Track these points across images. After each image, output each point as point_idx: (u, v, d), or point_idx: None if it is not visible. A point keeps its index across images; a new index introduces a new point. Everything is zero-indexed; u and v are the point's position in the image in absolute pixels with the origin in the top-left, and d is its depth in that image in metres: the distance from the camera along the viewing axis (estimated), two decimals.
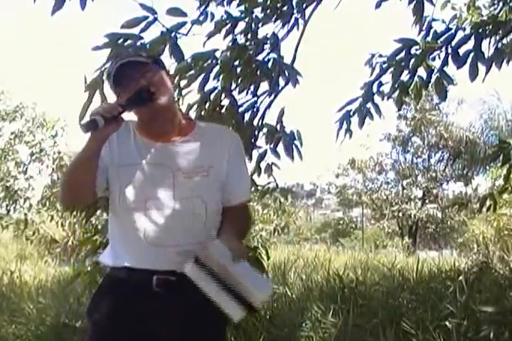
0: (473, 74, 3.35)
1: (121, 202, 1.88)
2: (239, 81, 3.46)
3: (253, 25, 3.49)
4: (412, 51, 3.57)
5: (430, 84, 3.70)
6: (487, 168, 16.13)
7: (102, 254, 2.01)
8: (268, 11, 3.52)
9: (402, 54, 3.58)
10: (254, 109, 3.53)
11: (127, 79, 1.87)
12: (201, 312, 1.83)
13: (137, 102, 1.84)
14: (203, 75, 3.37)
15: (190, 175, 1.88)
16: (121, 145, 1.91)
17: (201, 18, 3.39)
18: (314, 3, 3.54)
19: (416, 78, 3.69)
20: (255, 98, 3.53)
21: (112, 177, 1.89)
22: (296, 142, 3.40)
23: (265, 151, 3.50)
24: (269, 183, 3.65)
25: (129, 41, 3.12)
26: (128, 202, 1.87)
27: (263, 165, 3.53)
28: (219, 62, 3.37)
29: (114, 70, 1.89)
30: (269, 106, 3.56)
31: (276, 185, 3.66)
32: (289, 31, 3.53)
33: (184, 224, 1.85)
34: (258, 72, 3.45)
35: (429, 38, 3.68)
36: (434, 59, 3.59)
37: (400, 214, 20.45)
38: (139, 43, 3.12)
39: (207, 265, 1.73)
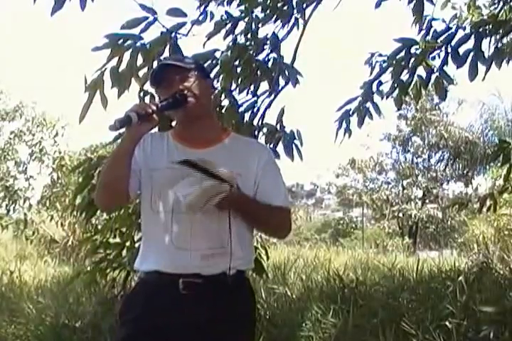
0: (473, 74, 3.36)
1: (152, 206, 1.92)
2: (239, 81, 3.47)
3: (253, 25, 3.49)
4: (412, 50, 3.58)
5: (430, 84, 3.70)
6: (487, 167, 16.14)
7: (137, 258, 2.03)
8: (268, 11, 3.52)
9: (402, 53, 3.58)
10: (255, 109, 3.53)
11: (165, 82, 1.94)
12: (228, 313, 1.86)
13: (171, 105, 1.88)
14: None
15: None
16: (154, 149, 1.96)
17: (201, 18, 3.39)
18: (314, 3, 3.54)
19: (416, 77, 3.69)
20: (255, 98, 3.53)
21: (144, 181, 1.93)
22: (296, 142, 3.40)
23: None
24: None
25: (129, 42, 3.12)
26: (158, 205, 1.90)
27: None
28: (219, 62, 3.37)
29: (154, 71, 1.98)
30: (269, 106, 3.56)
31: None
32: (289, 31, 3.53)
33: (210, 228, 1.87)
34: (258, 72, 3.45)
35: (429, 38, 3.68)
36: (434, 58, 3.59)
37: (400, 214, 20.46)
38: (139, 44, 3.13)
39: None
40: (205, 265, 1.84)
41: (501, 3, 3.93)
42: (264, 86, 3.53)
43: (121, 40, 3.10)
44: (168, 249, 1.87)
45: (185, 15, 3.15)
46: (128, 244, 3.69)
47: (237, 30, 3.48)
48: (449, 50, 3.51)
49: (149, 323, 1.85)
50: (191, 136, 1.97)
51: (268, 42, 3.46)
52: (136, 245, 3.51)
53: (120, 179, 1.86)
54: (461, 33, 3.57)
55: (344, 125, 3.75)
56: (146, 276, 1.93)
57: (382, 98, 3.71)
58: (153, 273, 1.88)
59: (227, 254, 1.86)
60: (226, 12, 3.48)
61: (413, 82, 3.72)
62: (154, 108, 1.82)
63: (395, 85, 3.69)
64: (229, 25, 3.44)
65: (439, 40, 3.60)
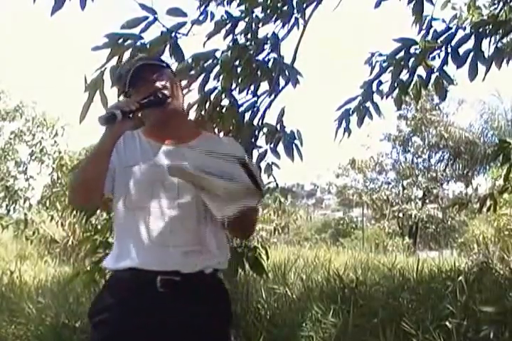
0: (473, 74, 3.36)
1: (127, 203, 1.89)
2: (239, 81, 3.47)
3: (253, 25, 3.49)
4: (412, 50, 3.58)
5: (430, 84, 3.70)
6: (487, 168, 16.15)
7: (107, 258, 2.00)
8: (268, 10, 3.52)
9: (402, 53, 3.59)
10: (255, 109, 3.53)
11: (143, 81, 1.92)
12: (205, 312, 1.84)
13: (153, 103, 1.88)
14: (203, 75, 3.38)
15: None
16: (127, 147, 1.94)
17: (201, 18, 3.39)
18: (314, 3, 3.54)
19: (416, 77, 3.69)
20: (255, 98, 3.53)
21: (118, 178, 1.91)
22: (297, 142, 3.40)
23: (265, 151, 3.50)
24: (269, 183, 3.64)
25: (129, 41, 3.12)
26: (133, 202, 1.88)
27: (263, 165, 3.53)
28: (219, 62, 3.37)
29: (132, 71, 1.93)
30: (269, 106, 3.56)
31: (277, 184, 3.66)
32: (289, 31, 3.53)
33: (188, 224, 1.86)
34: (258, 72, 3.45)
35: (429, 38, 3.68)
36: (434, 58, 3.59)
37: (401, 214, 20.45)
38: (139, 43, 3.13)
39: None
40: (185, 262, 1.82)
41: (501, 4, 3.93)
42: (264, 86, 3.53)
43: (121, 40, 3.10)
44: (147, 245, 1.83)
45: (185, 15, 3.15)
46: None
47: (237, 30, 3.48)
48: (449, 50, 3.51)
49: (126, 323, 1.81)
50: (164, 134, 1.96)
51: (268, 42, 3.46)
52: None
53: (100, 177, 1.84)
54: (461, 33, 3.58)
55: (344, 124, 3.75)
56: (121, 274, 1.86)
57: (382, 98, 3.71)
58: (129, 270, 1.83)
59: (204, 252, 1.86)
60: (226, 12, 3.48)
61: (413, 82, 3.72)
62: (138, 105, 1.82)
63: (395, 85, 3.69)
64: (229, 25, 3.44)
65: (439, 40, 3.60)
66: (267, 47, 3.47)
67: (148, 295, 1.81)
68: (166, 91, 1.92)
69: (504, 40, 3.72)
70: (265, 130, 3.52)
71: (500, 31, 3.57)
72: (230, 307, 1.99)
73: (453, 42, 3.53)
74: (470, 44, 3.44)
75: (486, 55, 3.40)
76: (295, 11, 3.50)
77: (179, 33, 3.20)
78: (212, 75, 3.39)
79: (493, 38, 3.54)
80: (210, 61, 3.36)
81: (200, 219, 1.87)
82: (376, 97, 3.74)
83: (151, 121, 1.99)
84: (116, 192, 1.93)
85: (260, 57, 3.48)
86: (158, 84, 1.93)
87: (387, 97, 3.73)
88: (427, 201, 20.67)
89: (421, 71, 3.65)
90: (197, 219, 1.87)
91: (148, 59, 2.06)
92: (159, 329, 1.80)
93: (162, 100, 1.90)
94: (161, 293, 1.80)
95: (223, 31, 3.44)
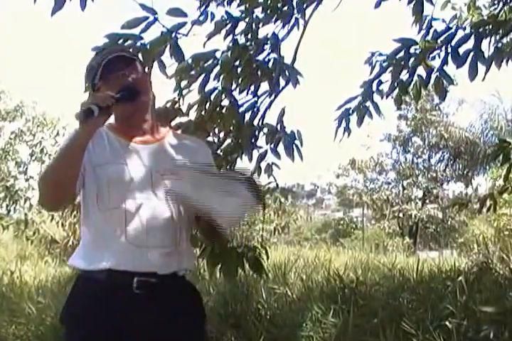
0: (473, 74, 3.36)
1: (100, 202, 1.83)
2: (239, 81, 3.46)
3: (253, 25, 3.49)
4: (411, 50, 3.58)
5: (430, 84, 3.70)
6: (487, 168, 16.14)
7: (74, 257, 1.94)
8: (268, 11, 3.52)
9: (402, 53, 3.59)
10: (255, 109, 3.53)
11: (114, 74, 1.86)
12: (181, 313, 1.83)
13: (124, 97, 1.81)
14: (203, 75, 3.37)
15: (167, 177, 1.86)
16: (95, 146, 1.85)
17: (201, 19, 3.39)
18: (315, 4, 3.54)
19: (416, 77, 3.69)
20: (256, 98, 3.53)
21: (89, 178, 1.84)
22: (297, 142, 3.40)
23: (265, 151, 3.50)
24: (269, 183, 3.65)
25: (129, 41, 3.12)
26: (106, 202, 1.83)
27: (263, 165, 3.53)
28: (219, 62, 3.37)
29: (103, 63, 1.86)
30: (269, 106, 3.56)
31: (277, 185, 3.66)
32: (289, 31, 3.53)
33: (163, 225, 1.83)
34: (258, 72, 3.45)
35: (429, 38, 3.68)
36: (434, 58, 3.59)
37: (401, 215, 20.44)
38: (139, 44, 3.13)
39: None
40: (162, 264, 1.80)
41: (501, 4, 3.93)
42: (264, 86, 3.53)
43: (121, 40, 3.10)
44: (123, 246, 1.79)
45: (185, 15, 3.15)
46: None
47: (238, 31, 3.48)
48: (449, 50, 3.51)
49: (102, 325, 1.77)
50: (133, 131, 1.92)
51: (268, 42, 3.45)
52: None
53: (74, 175, 1.77)
54: (461, 33, 3.57)
55: (344, 124, 3.75)
56: (96, 275, 1.81)
57: (382, 97, 3.71)
58: (104, 271, 1.79)
59: (179, 253, 1.85)
60: (226, 12, 3.48)
61: (413, 82, 3.72)
62: (113, 100, 1.76)
63: (395, 85, 3.69)
64: (229, 26, 3.44)
65: (439, 40, 3.60)
66: (267, 47, 3.47)
67: (124, 297, 1.78)
68: (137, 85, 1.86)
69: (504, 40, 3.72)
70: (265, 130, 3.52)
71: (500, 31, 3.56)
72: (203, 306, 1.98)
73: (453, 42, 3.53)
74: (470, 44, 3.44)
75: (486, 55, 3.39)
76: (295, 11, 3.50)
77: (179, 34, 3.20)
78: (212, 75, 3.38)
79: (493, 38, 3.54)
80: (210, 61, 3.36)
81: (174, 219, 1.84)
82: (376, 97, 3.74)
83: (119, 115, 1.91)
84: (86, 192, 1.86)
85: (260, 57, 3.47)
86: (131, 77, 1.87)
87: (387, 97, 3.73)
88: (427, 201, 20.67)
89: (421, 71, 3.66)
90: (171, 219, 1.84)
91: (119, 51, 1.98)
92: (135, 330, 1.77)
93: (134, 94, 1.84)
94: (137, 295, 1.78)
95: (223, 31, 3.44)
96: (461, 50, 3.45)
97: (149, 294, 1.78)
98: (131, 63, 1.91)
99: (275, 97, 3.55)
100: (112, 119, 1.88)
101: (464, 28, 3.66)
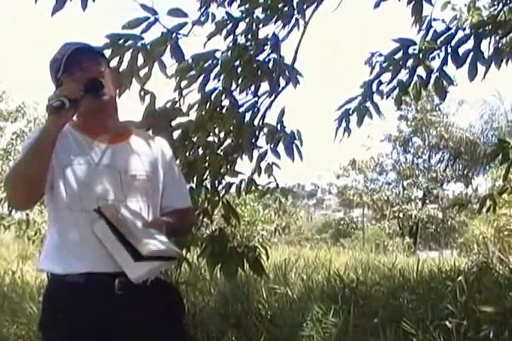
0: (473, 74, 3.36)
1: (70, 203, 1.78)
2: (239, 81, 3.47)
3: (254, 25, 3.50)
4: (410, 51, 3.58)
5: (430, 85, 3.70)
6: (487, 168, 16.15)
7: (43, 261, 1.88)
8: (269, 11, 3.52)
9: (400, 53, 3.59)
10: (255, 109, 3.54)
11: (78, 67, 1.81)
12: (163, 313, 1.83)
13: (89, 91, 1.76)
14: (203, 75, 3.38)
15: (135, 177, 1.85)
16: (61, 144, 1.77)
17: (202, 19, 3.40)
18: (315, 4, 3.55)
19: (416, 78, 3.70)
20: (256, 98, 3.54)
21: (57, 177, 1.78)
22: (297, 142, 3.41)
23: (266, 151, 3.51)
24: (269, 183, 3.65)
25: (129, 42, 3.13)
26: (78, 203, 1.78)
27: (263, 165, 3.54)
28: (219, 62, 3.38)
29: (66, 55, 1.81)
30: (269, 106, 3.57)
31: (277, 185, 3.66)
32: (289, 32, 3.54)
33: (138, 225, 1.81)
34: (259, 73, 3.46)
35: (428, 38, 3.69)
36: (433, 58, 3.59)
37: (401, 215, 20.47)
38: (139, 44, 3.14)
39: (115, 224, 1.72)
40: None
41: (501, 5, 3.93)
42: (264, 86, 3.54)
43: (122, 40, 3.11)
44: (99, 248, 1.75)
45: (186, 15, 3.16)
46: None
47: (238, 31, 3.49)
48: (449, 50, 3.52)
49: (84, 329, 1.73)
50: (97, 129, 1.87)
51: (268, 42, 3.46)
52: None
53: (44, 172, 1.70)
54: (460, 34, 3.58)
55: (344, 124, 3.76)
56: (74, 279, 1.76)
57: (382, 98, 3.72)
58: (83, 275, 1.75)
59: None
60: (227, 13, 3.49)
61: (413, 83, 3.72)
62: (82, 93, 1.72)
63: (394, 85, 3.69)
64: (229, 26, 3.45)
65: (438, 41, 3.61)
66: (267, 47, 3.47)
67: (105, 299, 1.76)
68: (102, 80, 1.81)
69: (504, 41, 3.72)
70: (265, 130, 3.52)
71: (500, 32, 3.57)
72: (182, 310, 1.97)
73: (453, 43, 3.54)
74: (470, 44, 3.45)
75: (486, 56, 3.40)
76: (295, 11, 3.51)
77: (180, 34, 3.21)
78: (212, 76, 3.39)
79: (492, 39, 3.55)
80: (211, 61, 3.36)
81: (145, 220, 1.83)
82: (376, 97, 3.75)
83: (83, 112, 1.83)
84: (55, 193, 1.80)
85: (261, 57, 3.48)
86: (96, 70, 1.83)
87: (387, 97, 3.74)
88: (427, 201, 20.69)
89: (421, 71, 3.66)
90: (143, 220, 1.83)
91: (84, 44, 1.90)
92: (119, 331, 1.76)
93: (98, 88, 1.79)
94: (119, 295, 1.76)
95: (224, 32, 3.45)
96: (461, 51, 3.46)
97: (131, 294, 1.77)
98: (95, 57, 1.88)
99: (275, 97, 3.55)
100: (74, 116, 1.83)
101: (464, 29, 3.66)
